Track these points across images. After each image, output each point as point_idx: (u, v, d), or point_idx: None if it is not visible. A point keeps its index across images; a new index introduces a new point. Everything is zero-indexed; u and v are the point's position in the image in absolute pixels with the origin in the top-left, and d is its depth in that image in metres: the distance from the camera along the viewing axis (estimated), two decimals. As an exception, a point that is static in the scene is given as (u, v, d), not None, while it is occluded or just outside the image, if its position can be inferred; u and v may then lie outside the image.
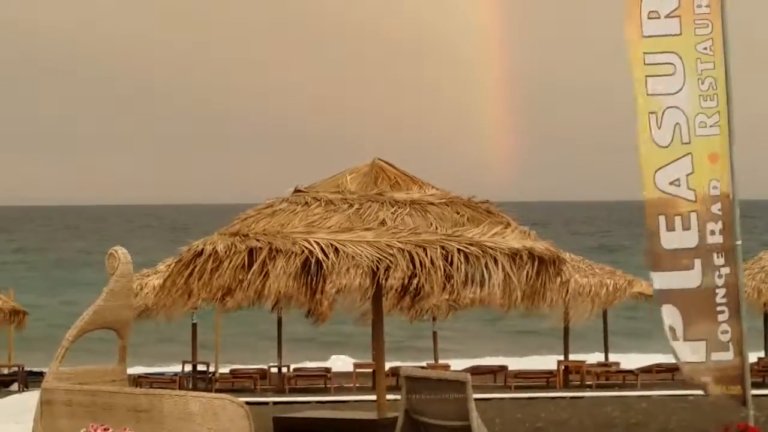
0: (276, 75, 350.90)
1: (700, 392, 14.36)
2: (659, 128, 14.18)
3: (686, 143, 14.14)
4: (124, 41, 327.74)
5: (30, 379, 30.26)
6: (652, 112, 14.22)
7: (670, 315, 14.09)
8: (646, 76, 14.24)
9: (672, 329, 14.08)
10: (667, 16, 14.21)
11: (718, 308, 14.06)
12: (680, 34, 14.19)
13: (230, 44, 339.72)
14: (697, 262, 14.08)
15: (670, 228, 14.13)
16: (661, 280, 14.21)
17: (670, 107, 14.18)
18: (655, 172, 14.15)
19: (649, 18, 14.23)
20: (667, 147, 14.18)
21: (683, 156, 14.15)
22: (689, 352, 14.09)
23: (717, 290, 14.06)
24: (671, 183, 14.16)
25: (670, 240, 14.14)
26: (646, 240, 14.42)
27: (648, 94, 14.23)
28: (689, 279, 14.09)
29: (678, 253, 14.12)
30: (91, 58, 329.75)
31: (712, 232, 14.08)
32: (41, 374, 23.78)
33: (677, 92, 14.18)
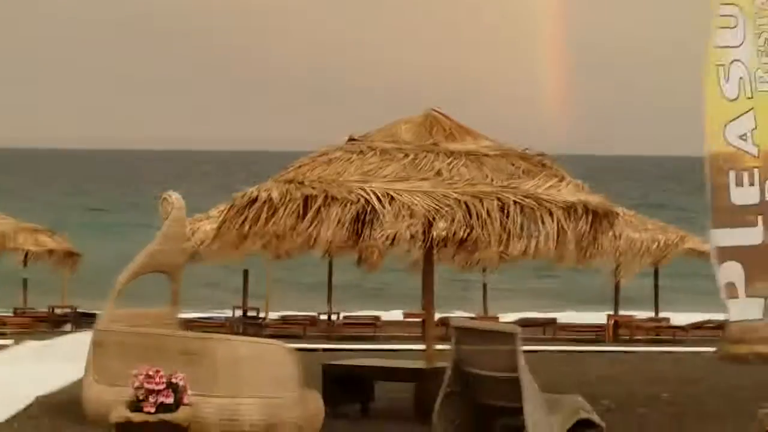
0: (334, 30, 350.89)
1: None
2: (727, 82, 14.06)
3: (750, 98, 14.03)
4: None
5: (83, 321, 30.48)
6: (719, 65, 14.08)
7: (731, 272, 13.99)
8: (718, 27, 14.13)
9: (731, 286, 13.98)
10: None
11: None
12: None
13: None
14: (760, 219, 13.99)
15: (739, 183, 14.00)
16: (725, 237, 14.10)
17: (735, 60, 14.06)
18: (725, 125, 14.03)
19: None
20: (735, 100, 14.05)
21: (748, 111, 14.03)
22: (747, 309, 14.02)
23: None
24: (740, 137, 14.03)
25: (739, 195, 14.01)
26: (711, 195, 14.23)
27: (716, 46, 14.11)
28: (753, 236, 14.01)
29: (744, 209, 14.02)
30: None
31: (753, 191, 14.00)
32: (94, 316, 23.97)
33: (740, 45, 14.07)
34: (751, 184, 14.03)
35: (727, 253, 14.05)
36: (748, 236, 14.00)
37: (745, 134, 14.04)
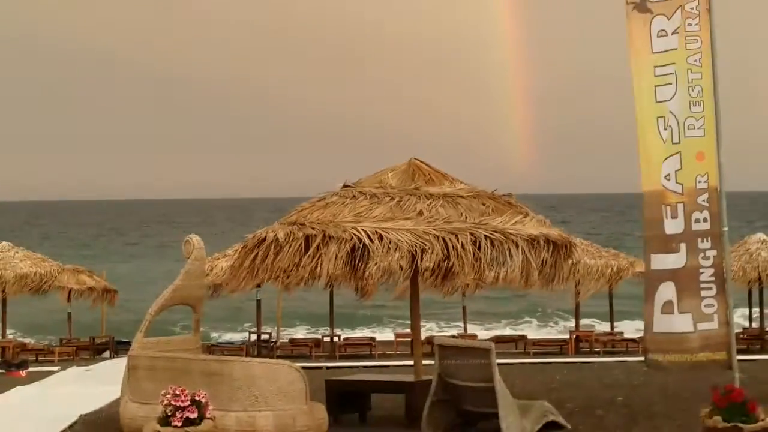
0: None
1: (697, 357, 14.19)
2: (665, 129, 14.17)
3: (676, 143, 14.14)
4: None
5: (119, 348, 30.46)
6: (660, 116, 14.19)
7: (666, 291, 14.04)
8: (656, 86, 14.22)
9: (669, 303, 14.03)
10: (672, 33, 14.19)
11: (703, 285, 14.03)
12: (677, 49, 14.17)
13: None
14: (683, 246, 14.08)
15: (667, 216, 14.15)
16: (659, 261, 14.18)
17: (669, 111, 14.18)
18: (662, 163, 14.15)
19: (658, 36, 14.21)
20: (664, 146, 14.18)
21: (674, 154, 14.15)
22: (680, 324, 14.05)
23: (702, 270, 14.02)
24: (664, 177, 14.18)
25: (668, 226, 14.14)
26: (646, 226, 14.34)
27: (657, 102, 14.21)
28: (677, 260, 14.09)
29: (670, 238, 14.13)
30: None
31: (698, 220, 14.06)
32: (128, 343, 23.96)
33: (671, 98, 14.17)
34: (674, 217, 14.14)
35: (662, 275, 14.09)
36: (674, 261, 14.10)
37: (668, 174, 14.16)
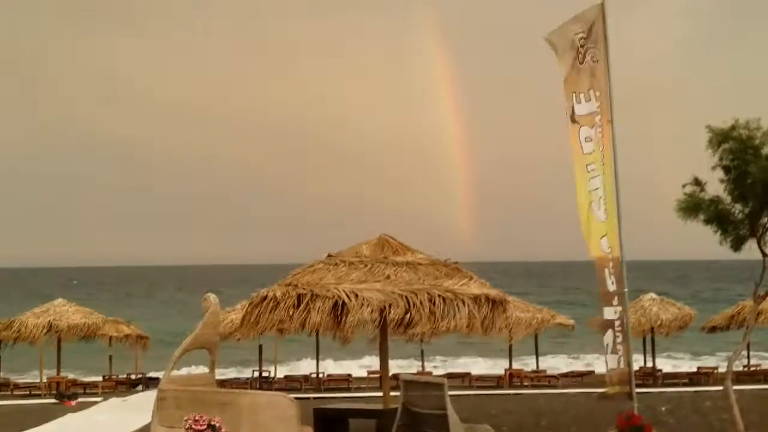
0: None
1: (601, 390, 14.15)
2: (599, 209, 14.10)
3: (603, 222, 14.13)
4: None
5: (150, 382, 30.12)
6: (592, 201, 14.16)
7: (609, 336, 13.97)
8: (588, 179, 14.20)
9: (608, 345, 13.96)
10: (586, 140, 14.28)
11: (616, 333, 14.01)
12: (594, 152, 14.23)
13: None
14: (616, 299, 14.05)
15: (606, 277, 14.07)
16: (606, 312, 14.07)
17: (601, 197, 14.17)
18: (600, 238, 14.09)
19: (585, 141, 14.26)
20: (605, 222, 14.12)
21: (606, 232, 14.14)
22: (608, 363, 13.99)
23: (615, 321, 14.02)
24: (604, 246, 14.10)
25: (608, 285, 14.07)
26: (597, 284, 14.15)
27: (588, 191, 14.20)
28: (613, 312, 14.03)
29: (611, 294, 14.06)
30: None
31: (612, 283, 14.04)
32: (158, 379, 23.68)
33: (597, 189, 14.18)
34: (610, 278, 14.09)
35: (608, 324, 14.03)
36: (612, 313, 14.05)
37: (604, 246, 14.13)
